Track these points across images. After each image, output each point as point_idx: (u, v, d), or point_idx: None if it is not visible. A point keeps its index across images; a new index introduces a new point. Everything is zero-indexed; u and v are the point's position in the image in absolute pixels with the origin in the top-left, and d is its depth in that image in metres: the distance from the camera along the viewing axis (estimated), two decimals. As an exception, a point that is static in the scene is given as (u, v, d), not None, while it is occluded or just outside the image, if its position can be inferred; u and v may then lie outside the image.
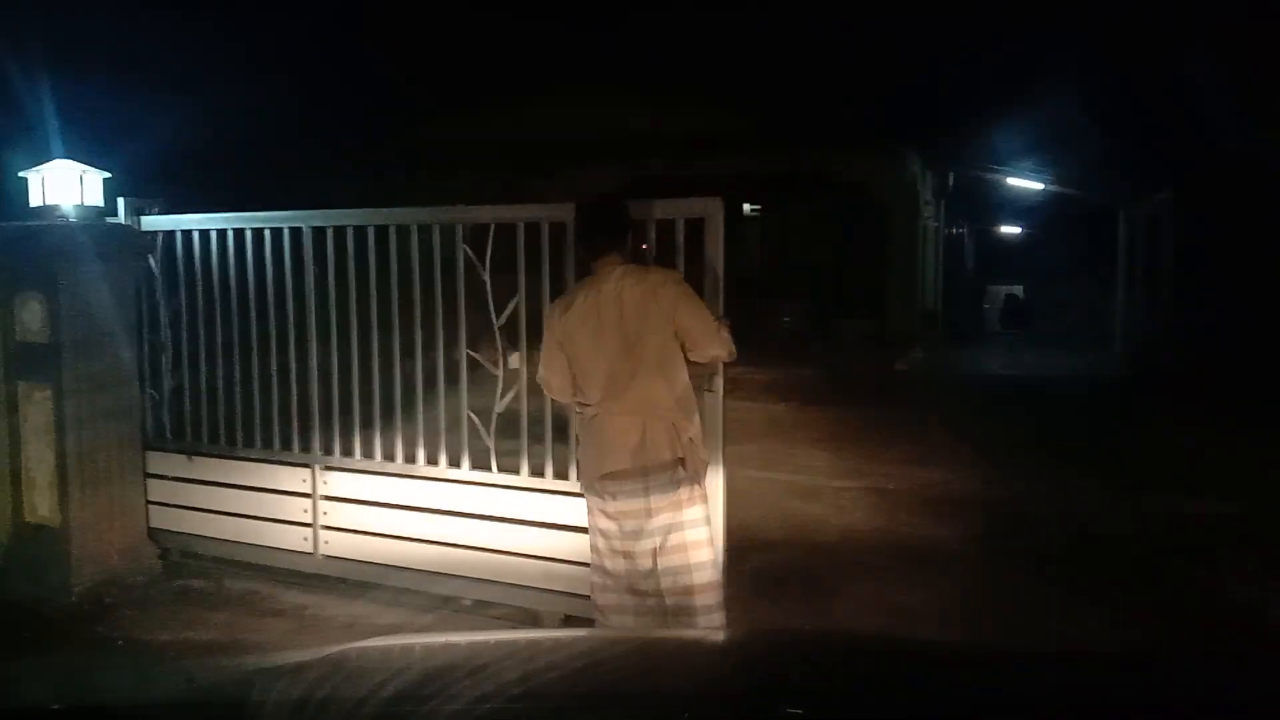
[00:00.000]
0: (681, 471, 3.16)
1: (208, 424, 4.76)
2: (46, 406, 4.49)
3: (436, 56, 13.05)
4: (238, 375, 4.66)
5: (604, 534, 3.27)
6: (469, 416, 4.14)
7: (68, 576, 4.44)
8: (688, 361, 3.26)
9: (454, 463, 4.21)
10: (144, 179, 5.82)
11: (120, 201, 4.76)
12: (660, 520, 3.16)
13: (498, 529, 4.09)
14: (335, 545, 4.45)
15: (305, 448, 4.54)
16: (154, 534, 4.84)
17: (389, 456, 4.34)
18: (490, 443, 4.09)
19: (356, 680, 1.57)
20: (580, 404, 3.31)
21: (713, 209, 3.67)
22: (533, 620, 4.03)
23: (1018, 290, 20.83)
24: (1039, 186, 15.54)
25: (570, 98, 12.39)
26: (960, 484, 6.41)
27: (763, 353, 11.69)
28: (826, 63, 11.80)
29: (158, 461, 4.86)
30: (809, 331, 13.57)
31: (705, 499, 3.29)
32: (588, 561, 3.74)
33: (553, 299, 3.76)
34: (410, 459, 4.31)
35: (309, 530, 4.49)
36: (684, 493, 3.18)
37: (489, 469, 4.11)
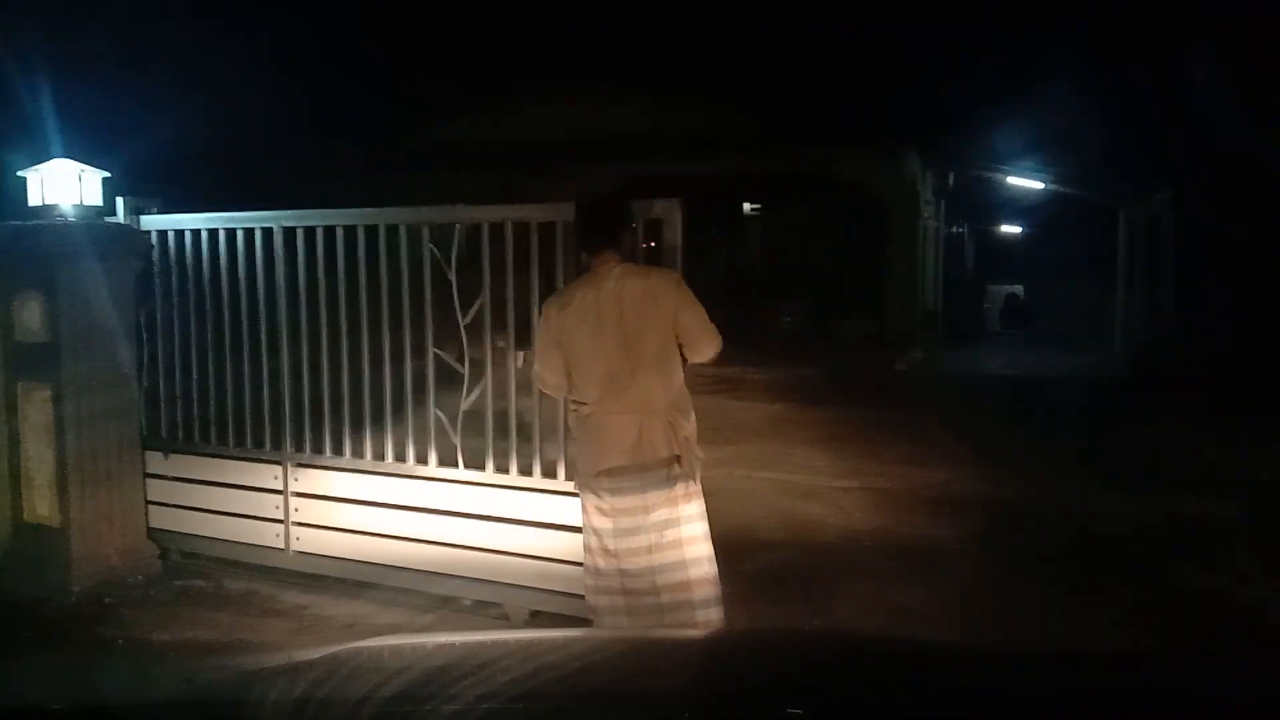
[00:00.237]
0: (677, 469, 3.19)
1: (183, 422, 4.82)
2: (46, 406, 4.49)
3: (436, 56, 13.05)
4: (212, 374, 4.72)
5: (598, 533, 3.26)
6: (435, 414, 4.21)
7: (68, 576, 4.44)
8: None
9: (421, 459, 4.29)
10: (143, 179, 5.82)
11: (119, 201, 4.76)
12: (657, 516, 3.18)
13: (467, 525, 4.17)
14: (306, 541, 4.53)
15: (276, 445, 4.62)
16: (151, 533, 4.85)
17: (358, 453, 4.42)
18: (456, 440, 4.16)
19: (356, 680, 1.56)
20: (576, 401, 3.32)
21: (671, 211, 3.75)
22: (501, 616, 4.10)
23: (1018, 290, 20.83)
24: (1039, 186, 15.54)
25: (570, 97, 12.40)
26: (960, 484, 6.41)
27: (763, 352, 11.73)
28: (826, 62, 11.80)
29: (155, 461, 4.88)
30: (809, 331, 13.58)
31: (700, 495, 3.31)
32: (554, 557, 3.91)
33: (514, 299, 3.93)
34: (379, 455, 4.39)
35: (281, 526, 4.58)
36: (680, 489, 3.21)
37: (456, 465, 4.20)
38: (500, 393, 4.16)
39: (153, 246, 4.78)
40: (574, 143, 12.12)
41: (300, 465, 4.55)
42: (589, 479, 3.26)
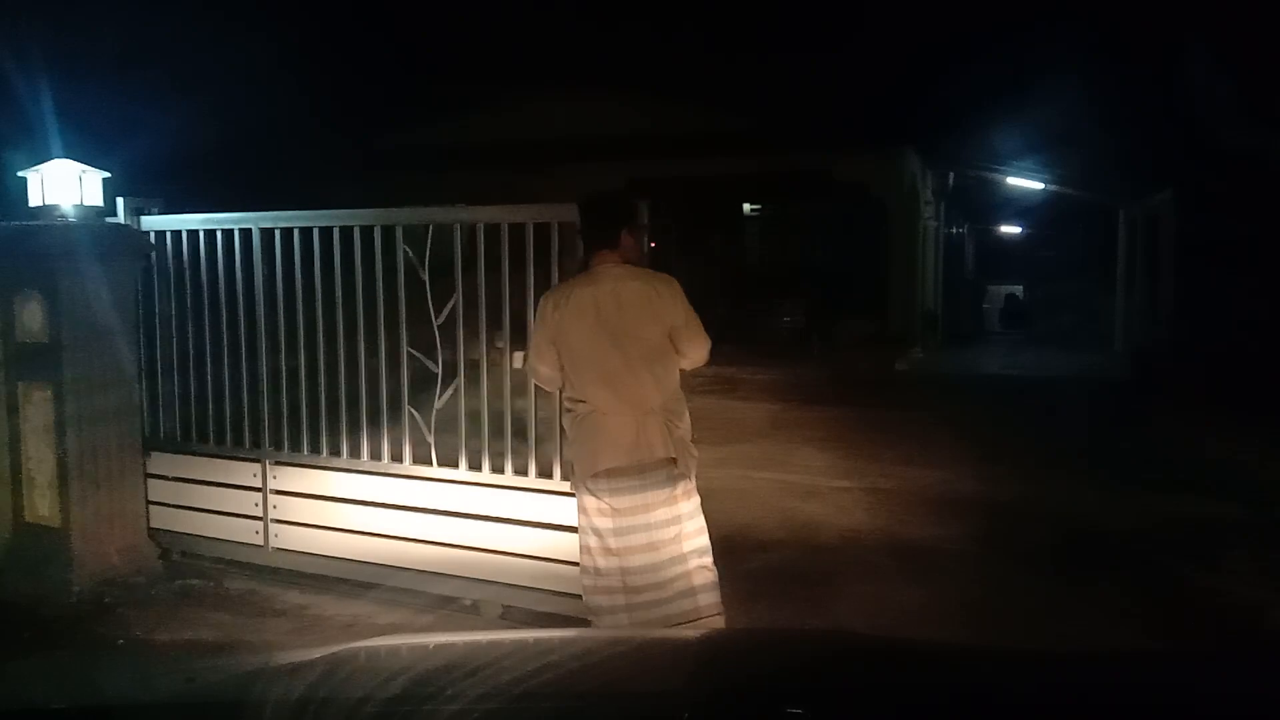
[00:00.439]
0: (674, 468, 3.23)
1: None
2: (46, 406, 4.49)
3: (436, 56, 13.05)
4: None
5: (597, 533, 3.27)
6: (410, 412, 4.27)
7: (68, 576, 4.44)
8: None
9: (396, 457, 4.35)
10: (144, 179, 5.82)
11: (120, 201, 4.77)
12: (658, 515, 3.22)
13: (442, 522, 4.22)
14: (284, 538, 4.60)
15: (255, 443, 4.69)
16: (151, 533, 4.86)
17: (334, 451, 4.49)
18: (430, 438, 4.21)
19: (356, 680, 1.57)
20: (571, 400, 3.33)
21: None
22: (472, 611, 4.16)
23: (1018, 290, 20.83)
24: (1039, 186, 15.53)
25: (570, 97, 12.40)
26: (960, 484, 6.41)
27: (762, 352, 11.73)
28: (826, 62, 11.81)
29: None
30: (809, 331, 13.57)
31: (695, 490, 3.35)
32: (527, 553, 3.97)
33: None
34: (355, 453, 4.45)
35: (260, 523, 4.65)
36: (680, 488, 3.25)
37: (430, 463, 4.26)
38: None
39: (153, 247, 4.79)
40: (574, 143, 12.11)
41: (279, 463, 4.63)
42: (586, 479, 3.26)
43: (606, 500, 3.22)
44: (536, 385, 3.73)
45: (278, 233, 4.53)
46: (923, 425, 8.34)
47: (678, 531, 3.24)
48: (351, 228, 4.38)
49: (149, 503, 4.86)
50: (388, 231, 4.31)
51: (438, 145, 12.57)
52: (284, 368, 4.58)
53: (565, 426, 3.41)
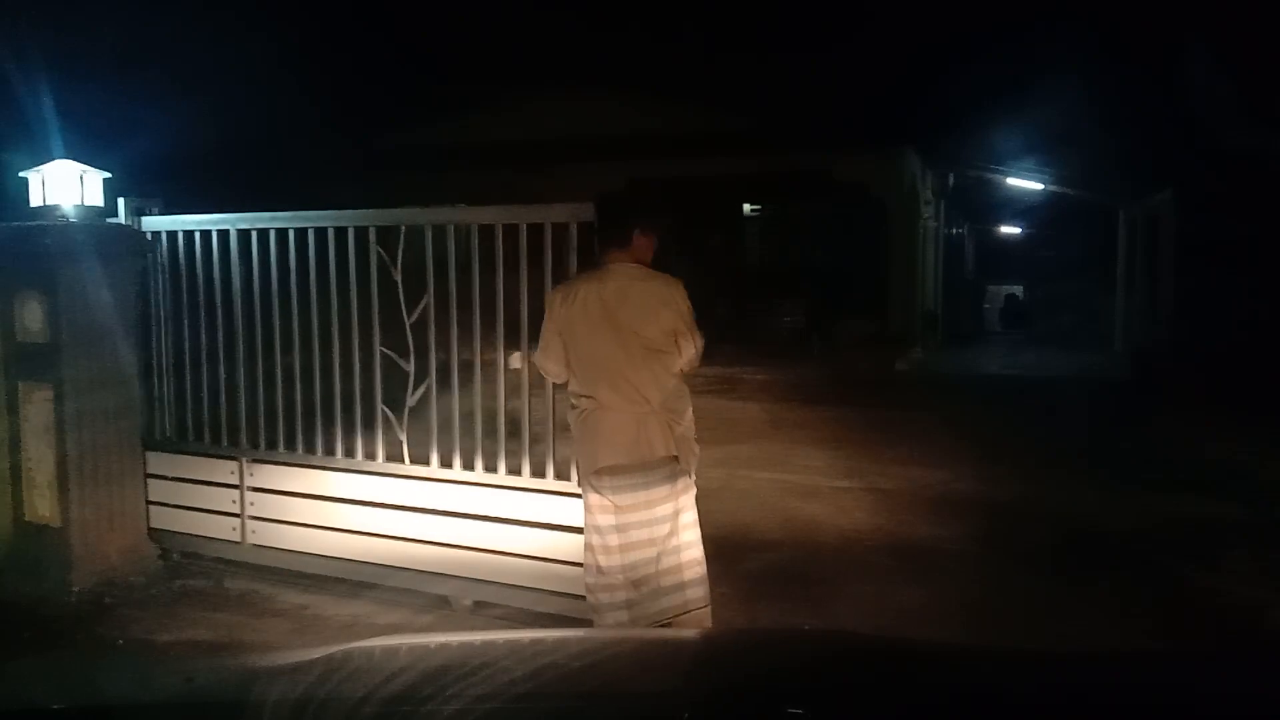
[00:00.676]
0: (676, 465, 3.29)
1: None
2: (46, 406, 4.49)
3: (437, 56, 13.05)
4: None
5: (600, 530, 3.30)
6: (383, 410, 4.32)
7: (68, 576, 4.44)
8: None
9: (370, 455, 4.41)
10: (144, 179, 5.82)
11: (120, 201, 4.77)
12: (661, 510, 3.28)
13: (417, 519, 4.27)
14: (261, 534, 4.66)
15: (233, 441, 4.75)
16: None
17: (309, 449, 4.54)
18: (403, 435, 4.27)
19: (356, 680, 1.56)
20: (576, 396, 3.37)
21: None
22: (443, 605, 4.20)
23: (1018, 290, 20.84)
24: (1039, 186, 15.54)
25: (570, 97, 12.40)
26: (960, 484, 6.41)
27: (763, 352, 11.73)
28: (827, 62, 11.81)
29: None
30: (809, 331, 13.57)
31: (694, 485, 3.42)
32: (496, 549, 4.04)
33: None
34: (330, 451, 4.50)
35: (237, 520, 4.70)
36: (681, 484, 3.31)
37: (403, 461, 4.32)
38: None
39: (152, 247, 4.79)
40: (574, 143, 12.11)
41: (255, 461, 4.68)
42: (589, 476, 3.31)
43: (609, 497, 3.26)
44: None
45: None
46: (923, 425, 8.34)
47: (677, 524, 3.31)
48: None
49: (148, 503, 4.86)
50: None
51: (438, 145, 12.56)
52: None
53: (571, 424, 3.45)
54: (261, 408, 4.65)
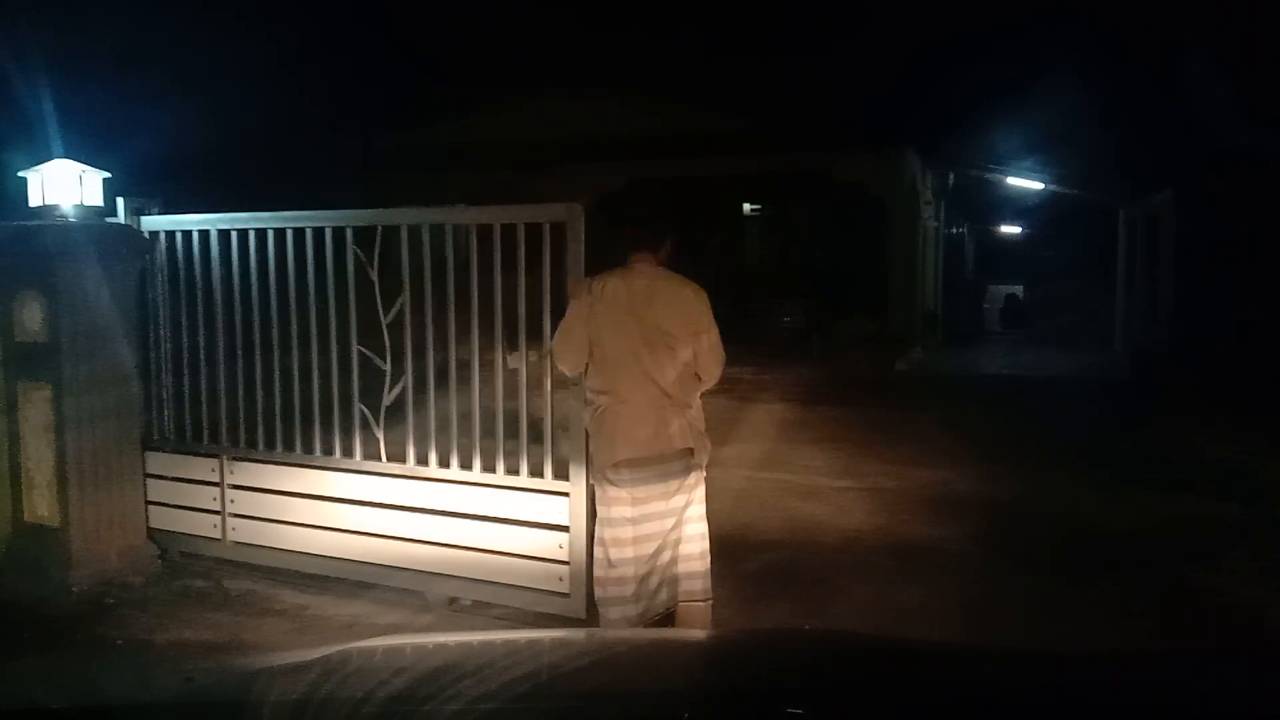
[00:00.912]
0: (691, 459, 3.36)
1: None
2: (46, 406, 4.49)
3: (437, 56, 13.05)
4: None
5: (614, 523, 3.36)
6: (359, 409, 4.37)
7: (68, 576, 4.44)
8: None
9: (348, 453, 4.46)
10: (144, 179, 5.82)
11: (120, 201, 4.77)
12: (675, 502, 3.36)
13: (394, 516, 4.33)
14: (241, 531, 4.72)
15: (214, 439, 4.80)
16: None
17: (289, 447, 4.60)
18: (380, 434, 4.32)
19: (356, 680, 1.57)
20: (593, 391, 3.42)
21: (574, 214, 3.87)
22: (422, 603, 4.24)
23: (1018, 290, 20.84)
24: (1039, 186, 15.54)
25: (569, 97, 12.40)
26: (961, 484, 6.41)
27: (763, 352, 11.72)
28: (827, 62, 11.80)
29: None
30: (809, 331, 13.57)
31: (704, 480, 3.49)
32: (471, 546, 4.11)
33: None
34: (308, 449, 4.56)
35: (218, 517, 4.77)
36: (693, 478, 3.40)
37: (380, 459, 4.37)
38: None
39: (152, 247, 4.79)
40: (574, 143, 12.11)
41: (235, 459, 4.73)
42: (606, 469, 3.36)
43: (626, 490, 3.33)
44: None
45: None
46: (923, 425, 8.34)
47: (686, 516, 3.40)
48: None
49: (148, 503, 4.87)
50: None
51: (438, 145, 12.56)
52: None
53: (586, 421, 3.51)
54: (241, 407, 4.69)
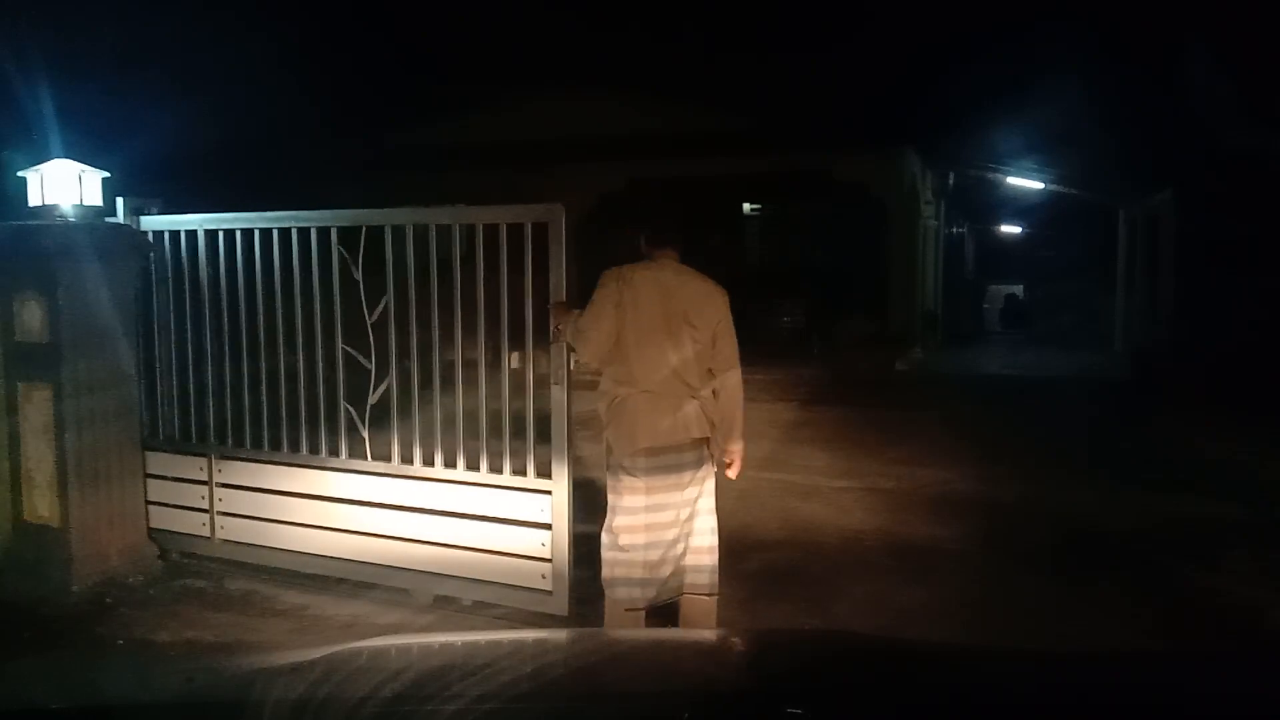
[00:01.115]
0: (705, 450, 3.47)
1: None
2: (46, 406, 4.49)
3: (437, 56, 13.04)
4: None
5: (628, 511, 3.42)
6: (345, 408, 4.41)
7: (68, 576, 4.44)
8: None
9: (334, 452, 4.51)
10: (143, 179, 5.82)
11: (119, 201, 4.77)
12: (690, 492, 3.45)
13: (381, 515, 4.38)
14: (230, 529, 4.78)
15: (203, 438, 4.84)
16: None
17: (275, 446, 4.65)
18: (365, 433, 4.37)
19: (356, 680, 1.56)
20: (614, 381, 3.47)
21: (555, 214, 3.93)
22: (420, 602, 4.28)
23: (1018, 290, 20.83)
24: (1039, 186, 15.53)
25: (569, 97, 12.39)
26: (961, 484, 6.41)
27: (763, 352, 11.70)
28: (827, 62, 11.80)
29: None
30: (809, 331, 13.56)
31: (714, 473, 3.59)
32: (456, 544, 4.18)
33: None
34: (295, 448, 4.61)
35: (207, 516, 4.82)
36: (706, 469, 3.50)
37: (366, 458, 4.41)
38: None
39: (152, 247, 4.80)
40: (574, 143, 12.11)
41: (224, 458, 4.77)
42: (624, 458, 3.42)
43: (642, 478, 3.40)
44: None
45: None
46: (923, 425, 8.34)
47: (698, 507, 3.49)
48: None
49: (148, 503, 4.88)
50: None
51: (438, 145, 12.55)
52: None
53: (601, 411, 3.55)
54: (229, 406, 4.73)
